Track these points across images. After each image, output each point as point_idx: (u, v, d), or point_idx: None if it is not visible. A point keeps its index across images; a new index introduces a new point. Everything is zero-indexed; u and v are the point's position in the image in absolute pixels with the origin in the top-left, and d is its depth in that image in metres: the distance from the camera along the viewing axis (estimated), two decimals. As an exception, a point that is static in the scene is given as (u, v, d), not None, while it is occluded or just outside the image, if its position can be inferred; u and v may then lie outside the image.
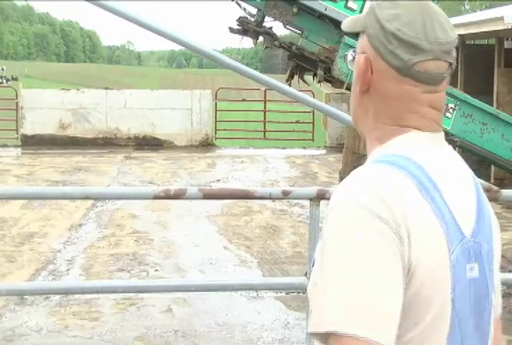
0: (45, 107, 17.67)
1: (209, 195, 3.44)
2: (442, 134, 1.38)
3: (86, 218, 10.01)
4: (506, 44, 14.59)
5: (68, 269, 7.54)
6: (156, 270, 7.55)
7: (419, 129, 1.34)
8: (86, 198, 3.57)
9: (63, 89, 18.96)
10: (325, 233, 1.24)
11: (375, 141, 1.37)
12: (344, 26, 1.42)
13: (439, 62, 1.32)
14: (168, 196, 3.41)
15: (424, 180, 1.27)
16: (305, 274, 3.48)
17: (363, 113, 1.40)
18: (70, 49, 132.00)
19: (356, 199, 1.23)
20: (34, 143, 17.53)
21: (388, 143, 1.34)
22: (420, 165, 1.28)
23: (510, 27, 11.00)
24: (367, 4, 6.99)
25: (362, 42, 1.38)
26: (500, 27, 11.24)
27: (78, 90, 18.90)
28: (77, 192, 3.69)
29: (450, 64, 1.34)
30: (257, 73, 3.82)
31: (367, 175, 1.28)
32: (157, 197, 3.42)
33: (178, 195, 3.38)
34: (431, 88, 1.33)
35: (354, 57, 1.44)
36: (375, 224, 1.20)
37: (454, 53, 1.35)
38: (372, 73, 1.35)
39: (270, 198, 3.49)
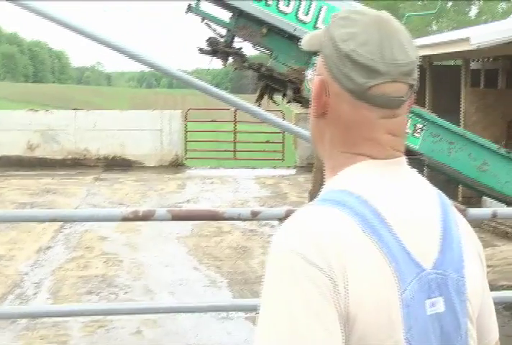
0: (13, 128, 17.51)
1: (178, 217, 3.42)
2: (401, 159, 1.29)
3: (55, 241, 9.90)
4: (472, 65, 14.81)
5: (36, 293, 7.43)
6: (125, 292, 7.47)
7: (373, 157, 1.26)
8: (54, 220, 3.53)
9: (31, 110, 18.80)
10: (264, 279, 1.18)
11: (329, 172, 1.31)
12: (303, 43, 1.35)
13: (398, 85, 1.23)
14: (137, 218, 3.38)
15: (369, 217, 1.18)
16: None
17: (320, 138, 1.33)
18: (38, 69, 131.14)
19: (289, 245, 1.17)
20: (1, 165, 17.34)
21: (339, 174, 1.27)
22: (365, 200, 1.20)
23: (475, 48, 11.17)
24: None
25: (319, 63, 1.30)
26: (466, 48, 11.41)
27: (47, 111, 18.78)
28: (44, 214, 3.64)
29: (411, 86, 1.25)
30: (225, 94, 3.82)
31: (303, 217, 1.21)
32: (125, 219, 3.38)
33: (147, 217, 3.36)
34: (388, 113, 1.24)
35: (312, 77, 1.34)
36: (307, 272, 1.13)
37: (416, 74, 1.26)
38: (328, 96, 1.27)
39: (239, 219, 3.48)
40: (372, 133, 1.25)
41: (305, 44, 1.34)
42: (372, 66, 1.21)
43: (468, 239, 1.32)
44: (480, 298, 1.30)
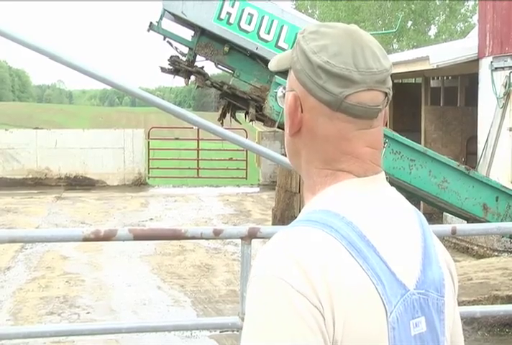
0: (-28, 147, 17.31)
1: (140, 236, 3.39)
2: (381, 174, 1.27)
3: (15, 261, 9.76)
4: (432, 83, 15.02)
5: (-5, 314, 7.31)
6: (88, 312, 7.38)
7: (354, 174, 1.23)
8: (12, 241, 3.47)
9: (-10, 129, 18.58)
10: (246, 306, 1.14)
11: (308, 191, 1.27)
12: (271, 66, 1.31)
13: (373, 93, 1.21)
14: (98, 238, 3.34)
15: (355, 239, 1.16)
16: (238, 314, 3.45)
17: (296, 156, 1.29)
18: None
19: (272, 271, 1.12)
20: (-40, 184, 17.09)
21: (319, 195, 1.24)
22: (350, 222, 1.17)
23: (435, 67, 11.34)
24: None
25: (290, 79, 1.27)
26: (426, 67, 11.58)
27: (7, 130, 18.57)
28: (3, 235, 3.58)
29: (386, 94, 1.23)
30: (186, 112, 3.82)
31: (287, 240, 1.16)
32: (86, 239, 3.34)
33: (108, 237, 3.32)
34: (365, 124, 1.22)
35: (283, 94, 1.31)
36: (291, 300, 1.09)
37: (390, 82, 1.24)
38: (302, 111, 1.23)
39: (202, 237, 3.46)
40: (350, 146, 1.22)
41: (274, 66, 1.31)
42: (347, 75, 1.19)
43: (442, 258, 1.32)
44: (452, 317, 1.31)
